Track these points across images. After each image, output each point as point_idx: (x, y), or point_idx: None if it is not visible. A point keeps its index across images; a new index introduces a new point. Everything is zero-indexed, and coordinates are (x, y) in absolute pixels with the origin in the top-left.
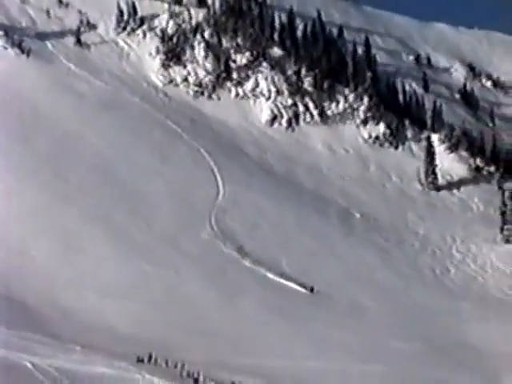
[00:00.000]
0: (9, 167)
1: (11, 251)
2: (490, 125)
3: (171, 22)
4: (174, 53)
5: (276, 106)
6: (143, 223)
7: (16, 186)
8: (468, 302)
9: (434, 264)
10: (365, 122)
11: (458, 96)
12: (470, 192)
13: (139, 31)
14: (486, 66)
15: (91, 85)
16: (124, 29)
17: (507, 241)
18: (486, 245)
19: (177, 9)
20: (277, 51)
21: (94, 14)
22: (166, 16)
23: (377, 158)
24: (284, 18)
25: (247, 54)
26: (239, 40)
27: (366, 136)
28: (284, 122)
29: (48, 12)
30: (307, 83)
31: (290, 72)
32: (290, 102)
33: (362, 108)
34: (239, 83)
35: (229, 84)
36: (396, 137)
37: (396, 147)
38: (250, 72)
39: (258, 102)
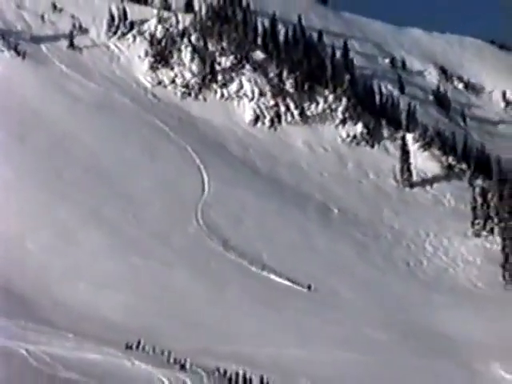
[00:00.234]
0: (6, 165)
1: (10, 245)
2: (462, 125)
3: (159, 27)
4: (162, 56)
5: (259, 106)
6: (133, 218)
7: (13, 183)
8: (440, 292)
9: (408, 256)
10: (343, 122)
11: (431, 97)
12: (442, 188)
13: (129, 35)
14: (458, 69)
15: (83, 86)
16: (115, 33)
17: (477, 235)
18: (457, 238)
19: (165, 14)
20: (259, 54)
21: (86, 18)
22: (154, 21)
23: (354, 156)
24: (266, 23)
25: (231, 57)
26: (224, 44)
27: (344, 135)
28: (266, 121)
29: (42, 17)
30: (288, 85)
31: (272, 74)
32: (272, 102)
33: (341, 109)
34: (224, 85)
35: (214, 86)
36: (372, 136)
37: (372, 146)
38: (234, 74)
39: (242, 102)
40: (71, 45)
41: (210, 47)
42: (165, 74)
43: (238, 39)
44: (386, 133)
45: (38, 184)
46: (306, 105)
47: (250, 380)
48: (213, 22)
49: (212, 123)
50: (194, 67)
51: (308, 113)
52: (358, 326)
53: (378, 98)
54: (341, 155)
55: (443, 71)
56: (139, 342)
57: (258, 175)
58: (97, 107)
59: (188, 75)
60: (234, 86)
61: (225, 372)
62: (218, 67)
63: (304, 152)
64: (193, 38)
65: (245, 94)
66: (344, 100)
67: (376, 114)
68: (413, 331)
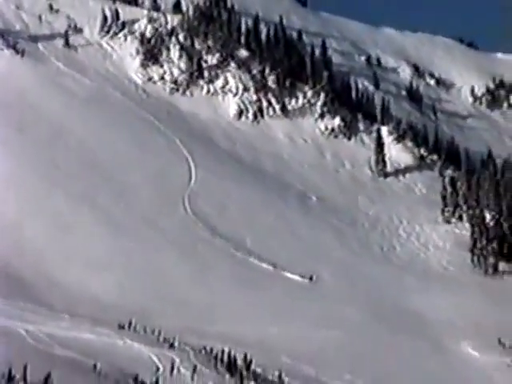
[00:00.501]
0: (5, 156)
1: (8, 231)
2: (433, 118)
3: (149, 27)
4: (151, 54)
5: (243, 101)
6: (125, 205)
7: (12, 172)
8: (412, 275)
9: (383, 241)
10: (322, 115)
11: (404, 93)
12: (414, 178)
13: (121, 34)
14: (429, 66)
15: (78, 82)
16: (107, 32)
17: (447, 221)
18: (428, 225)
19: (154, 15)
20: (243, 53)
21: (81, 19)
22: (144, 21)
23: (332, 147)
24: (250, 23)
25: (217, 55)
26: (210, 42)
27: (323, 128)
28: (250, 115)
29: (40, 17)
30: (270, 81)
31: (255, 71)
32: (255, 97)
33: (319, 103)
34: (210, 81)
35: (201, 82)
36: (349, 129)
37: (349, 138)
38: (219, 71)
39: (227, 97)
40: (67, 43)
41: (197, 46)
42: (154, 71)
43: (223, 38)
44: (361, 126)
45: (35, 173)
46: (286, 100)
47: (235, 357)
48: (199, 22)
49: (199, 117)
50: (182, 64)
51: (289, 107)
52: (335, 307)
53: (354, 93)
54: (319, 147)
55: (415, 68)
56: (131, 323)
57: (242, 165)
58: (91, 102)
59: (176, 72)
60: (219, 82)
61: (211, 350)
62: (204, 64)
63: (285, 144)
64: (181, 37)
65: (229, 90)
66: (322, 95)
67: (352, 108)
68: (387, 311)
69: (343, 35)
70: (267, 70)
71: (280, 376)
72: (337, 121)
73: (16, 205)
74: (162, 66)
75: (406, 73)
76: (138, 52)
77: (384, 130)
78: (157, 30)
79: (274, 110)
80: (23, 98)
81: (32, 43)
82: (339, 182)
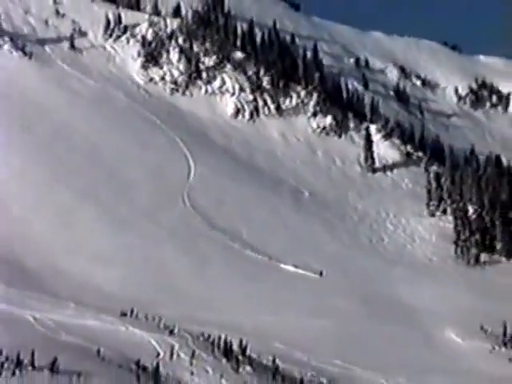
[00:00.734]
0: (13, 151)
1: (16, 224)
2: (419, 117)
3: (150, 30)
4: (152, 56)
5: (239, 101)
6: (127, 200)
7: (19, 167)
8: (399, 265)
9: (371, 234)
10: (314, 114)
11: (391, 93)
12: (401, 173)
13: (123, 38)
14: (415, 68)
15: (83, 83)
16: (110, 36)
17: (432, 215)
18: (414, 218)
19: (155, 19)
20: (239, 55)
21: (86, 23)
22: (145, 25)
23: (324, 145)
24: (245, 26)
25: (214, 57)
26: (208, 45)
27: (315, 126)
28: (246, 114)
29: (46, 21)
30: (265, 82)
31: (250, 72)
32: (250, 97)
33: (312, 103)
34: (208, 82)
35: (199, 82)
36: (340, 127)
37: (340, 136)
38: (216, 72)
39: (224, 97)
40: (72, 46)
41: (195, 48)
42: (155, 72)
43: (220, 41)
44: (351, 124)
45: (41, 169)
46: (281, 99)
47: (231, 343)
48: (197, 26)
49: (197, 116)
50: (181, 66)
51: (283, 107)
52: (325, 296)
53: (344, 93)
54: (312, 144)
55: (402, 70)
56: (132, 311)
57: (238, 162)
58: (95, 102)
59: (176, 73)
60: (216, 83)
61: (208, 336)
62: (202, 66)
63: (279, 141)
64: (180, 40)
65: (226, 90)
66: (314, 95)
67: (343, 107)
68: (375, 300)
69: (334, 39)
70: (262, 72)
71: (274, 361)
72: (328, 119)
73: (23, 200)
74: (162, 68)
75: (393, 74)
76: (139, 54)
77: (373, 128)
78: (157, 33)
79: (268, 109)
80: (30, 98)
81: (39, 46)
82: (330, 177)
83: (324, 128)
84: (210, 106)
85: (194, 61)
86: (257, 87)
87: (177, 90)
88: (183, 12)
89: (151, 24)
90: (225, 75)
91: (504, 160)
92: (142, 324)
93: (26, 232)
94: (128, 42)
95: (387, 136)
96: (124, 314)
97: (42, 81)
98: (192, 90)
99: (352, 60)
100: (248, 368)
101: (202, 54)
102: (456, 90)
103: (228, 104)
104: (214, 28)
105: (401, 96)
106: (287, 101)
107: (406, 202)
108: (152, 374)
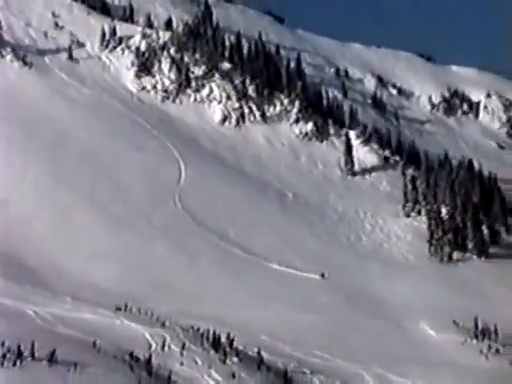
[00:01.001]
0: (15, 155)
1: (17, 223)
2: (395, 124)
3: (143, 42)
4: (145, 66)
5: (226, 108)
6: (122, 200)
7: (19, 171)
8: (377, 263)
9: (350, 233)
10: (296, 121)
11: (369, 101)
12: (379, 177)
13: (118, 49)
14: (392, 78)
15: (80, 91)
16: (106, 47)
17: (407, 215)
18: (390, 218)
19: (148, 31)
20: (227, 65)
21: (83, 35)
22: (139, 37)
23: (306, 149)
24: (232, 38)
25: (203, 67)
26: (197, 56)
27: (298, 132)
28: (233, 121)
29: (46, 33)
30: (251, 90)
31: (237, 81)
32: (237, 105)
33: (294, 110)
34: (197, 90)
35: (189, 91)
36: (321, 133)
37: (321, 141)
38: (205, 81)
39: (212, 105)
40: (70, 57)
41: (186, 59)
42: (148, 81)
43: (209, 52)
44: (332, 130)
45: (41, 171)
46: (265, 107)
47: (219, 336)
48: (188, 38)
49: (187, 122)
50: (172, 75)
51: (267, 114)
52: (308, 291)
53: (325, 101)
54: (295, 149)
55: (379, 79)
56: (127, 305)
57: (226, 166)
58: (91, 108)
59: (167, 82)
60: (205, 91)
61: (198, 329)
62: (192, 75)
63: (264, 146)
64: (171, 51)
65: (214, 98)
66: (297, 103)
67: (324, 114)
68: (354, 295)
69: (315, 50)
70: (248, 81)
71: (259, 353)
72: (310, 126)
73: (24, 201)
74: (154, 77)
75: (371, 83)
76: (133, 64)
77: (352, 134)
78: (150, 44)
79: (254, 116)
80: (31, 105)
81: (39, 56)
82: (312, 180)
83: (306, 134)
84: (199, 113)
85: (184, 70)
86: (243, 95)
87: (168, 98)
88: (174, 25)
89: (144, 36)
90: (213, 84)
91: (476, 164)
92: (135, 318)
93: (26, 231)
94: (122, 52)
95: (366, 141)
96: (119, 309)
97: (42, 89)
98: (182, 98)
99: (332, 70)
100: (235, 359)
101: (191, 64)
102: (430, 99)
103: (216, 111)
104: (203, 40)
105: (378, 104)
106: (271, 108)
107: (383, 203)
108: (145, 364)
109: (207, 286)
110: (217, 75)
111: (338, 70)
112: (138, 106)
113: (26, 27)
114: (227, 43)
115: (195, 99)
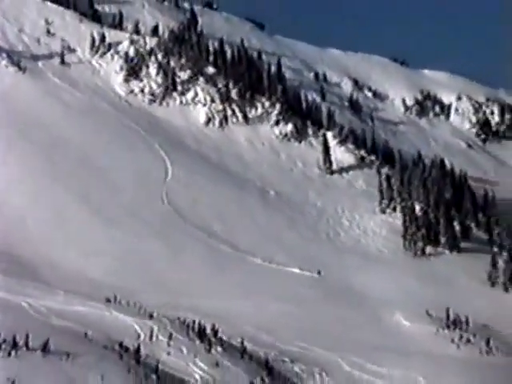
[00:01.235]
0: (10, 158)
1: (13, 221)
2: (370, 125)
3: (131, 47)
4: (133, 70)
5: (210, 110)
6: (112, 199)
7: (16, 172)
8: (354, 257)
9: (328, 229)
10: (277, 122)
11: (346, 103)
12: (355, 175)
13: (108, 54)
14: (367, 81)
15: (71, 94)
16: (96, 52)
17: (383, 212)
18: (367, 215)
19: (135, 37)
20: (211, 69)
21: (74, 41)
22: (127, 43)
23: (286, 149)
24: (216, 44)
25: (188, 71)
26: (183, 61)
27: (278, 133)
28: (216, 122)
29: (39, 40)
30: (234, 94)
31: (220, 85)
32: (220, 107)
33: (275, 112)
34: (182, 93)
35: (175, 94)
36: (300, 134)
37: (300, 142)
38: (190, 85)
39: (197, 107)
40: (62, 62)
41: (172, 64)
42: (135, 85)
43: (194, 57)
44: (310, 131)
45: (36, 172)
46: (247, 109)
47: (204, 326)
48: (174, 43)
49: (173, 124)
50: (159, 79)
51: (249, 115)
52: (289, 284)
53: (304, 104)
54: (275, 149)
55: (356, 83)
56: (116, 297)
57: (211, 165)
58: (83, 111)
59: (154, 86)
60: (190, 95)
61: (184, 320)
62: (177, 79)
63: (246, 147)
64: (158, 57)
65: (199, 101)
66: (277, 105)
67: (303, 116)
68: (332, 288)
69: (295, 54)
70: (231, 85)
71: (242, 342)
72: (289, 127)
73: (21, 200)
74: (142, 81)
75: (347, 87)
76: (121, 69)
77: (329, 134)
78: (138, 50)
79: (236, 118)
80: (25, 108)
81: (33, 61)
82: (292, 178)
83: (286, 135)
84: (185, 115)
85: (171, 75)
86: (226, 98)
87: (155, 101)
88: (161, 31)
89: (132, 42)
90: (198, 88)
91: (447, 163)
92: (125, 310)
93: (23, 228)
94: (112, 57)
95: (342, 142)
96: (109, 301)
97: (36, 92)
98: (168, 101)
99: (311, 74)
100: (219, 349)
101: (177, 69)
102: (403, 101)
103: (200, 113)
104: (188, 46)
105: (354, 106)
106: (253, 110)
107: (359, 200)
108: (133, 353)
109: (193, 280)
110: (201, 79)
111: (316, 74)
112: (127, 109)
113: (19, 33)
114: (211, 49)
115: (181, 102)
